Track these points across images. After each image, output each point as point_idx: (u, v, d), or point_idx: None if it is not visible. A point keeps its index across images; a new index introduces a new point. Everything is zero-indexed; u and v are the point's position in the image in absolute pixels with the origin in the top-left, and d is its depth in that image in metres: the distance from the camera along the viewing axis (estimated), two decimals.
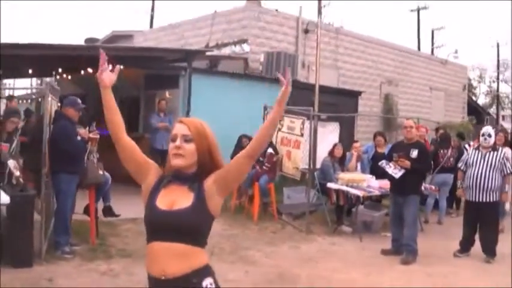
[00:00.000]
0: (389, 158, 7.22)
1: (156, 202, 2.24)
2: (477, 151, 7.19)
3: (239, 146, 9.79)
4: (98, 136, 6.43)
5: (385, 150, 8.71)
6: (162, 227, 2.19)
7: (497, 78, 39.70)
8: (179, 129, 2.27)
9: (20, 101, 14.51)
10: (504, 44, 52.71)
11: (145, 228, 2.27)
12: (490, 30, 72.27)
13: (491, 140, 7.14)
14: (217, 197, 2.26)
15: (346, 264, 6.62)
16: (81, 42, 17.11)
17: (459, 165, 7.51)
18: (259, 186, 8.80)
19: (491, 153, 7.06)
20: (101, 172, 6.54)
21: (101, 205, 7.08)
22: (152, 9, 26.21)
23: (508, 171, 7.05)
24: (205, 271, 2.23)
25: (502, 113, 45.80)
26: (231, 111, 10.98)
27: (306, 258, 6.83)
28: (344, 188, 8.22)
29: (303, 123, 9.00)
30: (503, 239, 7.63)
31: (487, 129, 7.27)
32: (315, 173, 8.91)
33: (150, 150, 9.95)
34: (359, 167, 9.48)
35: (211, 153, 2.30)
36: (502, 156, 7.05)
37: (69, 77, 12.58)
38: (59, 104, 6.83)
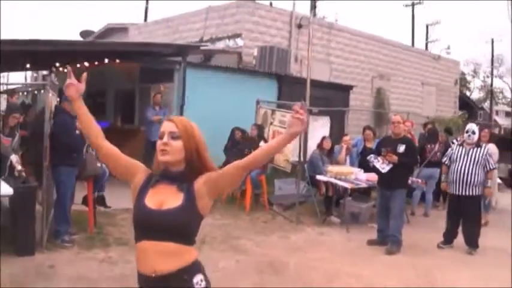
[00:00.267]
0: (377, 152, 7.37)
1: (145, 201, 2.24)
2: (461, 147, 7.39)
3: (232, 139, 10.02)
4: None
5: (373, 145, 8.78)
6: (152, 226, 2.18)
7: (491, 74, 40.04)
8: (167, 126, 2.28)
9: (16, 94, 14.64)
10: (499, 40, 52.82)
11: (133, 227, 2.28)
12: (484, 25, 72.39)
13: (475, 137, 7.36)
14: (207, 198, 2.26)
15: (332, 254, 6.79)
16: (77, 35, 17.23)
17: (444, 160, 7.72)
18: (251, 178, 8.90)
19: (475, 149, 7.25)
20: (99, 164, 6.66)
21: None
22: (147, 2, 26.32)
23: (491, 167, 7.28)
24: (195, 268, 2.26)
25: (495, 107, 46.17)
26: (224, 104, 11.11)
27: (295, 248, 6.98)
28: (332, 180, 8.43)
29: None
30: (487, 232, 7.86)
31: (471, 126, 7.45)
32: (305, 166, 9.11)
33: (145, 143, 10.18)
34: (348, 160, 9.63)
35: (199, 152, 2.29)
36: (485, 153, 7.23)
37: (66, 71, 12.67)
38: (58, 99, 6.97)
